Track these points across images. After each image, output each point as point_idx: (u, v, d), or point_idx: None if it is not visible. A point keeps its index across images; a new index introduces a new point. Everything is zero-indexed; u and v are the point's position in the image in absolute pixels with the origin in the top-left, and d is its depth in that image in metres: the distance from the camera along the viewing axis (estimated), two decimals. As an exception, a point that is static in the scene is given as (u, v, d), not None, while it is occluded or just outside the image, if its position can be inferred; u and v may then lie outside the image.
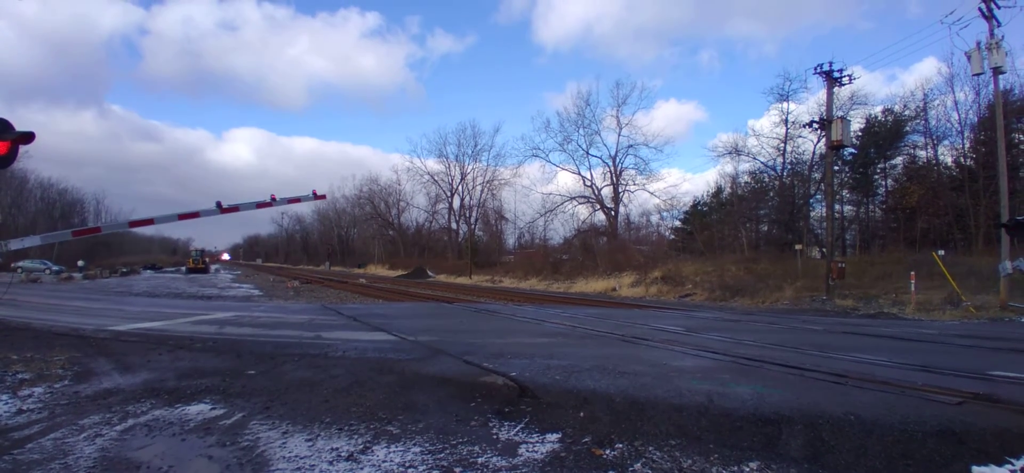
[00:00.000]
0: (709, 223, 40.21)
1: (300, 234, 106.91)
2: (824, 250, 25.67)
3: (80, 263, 36.50)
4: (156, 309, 11.89)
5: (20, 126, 6.83)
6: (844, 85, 22.15)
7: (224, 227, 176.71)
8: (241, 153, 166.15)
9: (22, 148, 7.23)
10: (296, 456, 2.80)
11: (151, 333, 7.57)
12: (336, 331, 8.31)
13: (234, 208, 12.45)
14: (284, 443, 2.99)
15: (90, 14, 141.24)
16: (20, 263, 31.76)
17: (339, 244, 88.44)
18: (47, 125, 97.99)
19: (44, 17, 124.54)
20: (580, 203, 47.49)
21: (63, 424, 3.31)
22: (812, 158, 34.23)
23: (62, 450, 2.86)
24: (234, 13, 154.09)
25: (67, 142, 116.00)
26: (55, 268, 33.87)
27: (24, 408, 3.67)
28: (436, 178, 62.75)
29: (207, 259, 54.35)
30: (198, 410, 3.63)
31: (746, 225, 38.43)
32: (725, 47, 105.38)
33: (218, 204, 10.88)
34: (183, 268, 50.31)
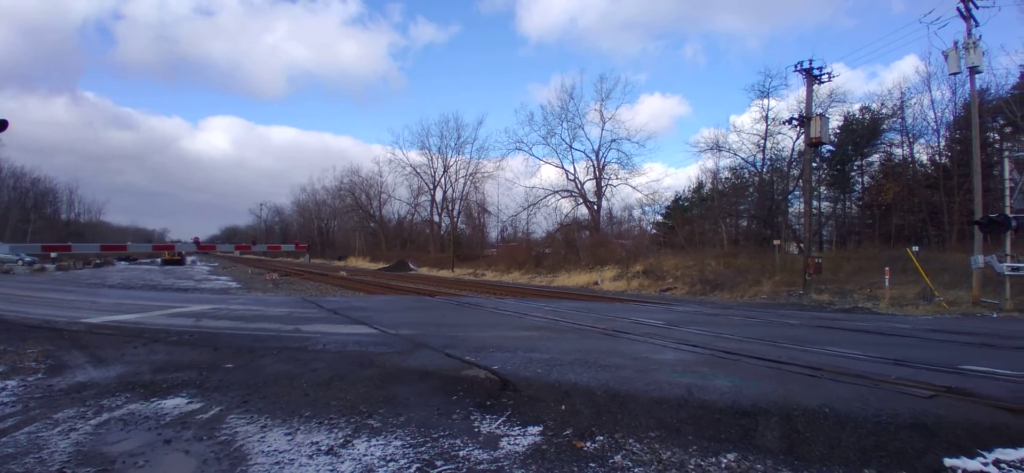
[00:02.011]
0: (690, 218, 40.56)
1: (279, 226, 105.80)
2: (802, 245, 26.05)
3: (53, 254, 35.81)
4: (131, 301, 11.69)
5: (-10, 113, 6.66)
6: (823, 83, 22.44)
7: (200, 218, 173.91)
8: (218, 142, 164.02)
9: (-7, 136, 7.06)
10: (275, 450, 2.77)
11: (126, 326, 7.44)
12: (316, 324, 8.24)
13: (211, 246, 12.42)
14: (263, 437, 2.96)
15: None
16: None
17: (319, 236, 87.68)
18: (18, 112, 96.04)
19: (17, 1, 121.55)
20: (563, 197, 47.67)
21: (37, 418, 3.25)
22: (791, 155, 34.72)
23: (36, 444, 2.81)
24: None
25: (39, 130, 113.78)
26: (28, 259, 33.20)
27: (-5, 401, 3.60)
28: (418, 170, 62.56)
29: (183, 251, 53.43)
30: (174, 404, 3.58)
31: (726, 220, 38.85)
32: (710, 42, 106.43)
33: (195, 240, 10.90)
34: (158, 260, 49.45)
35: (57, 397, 3.73)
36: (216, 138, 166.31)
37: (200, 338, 6.46)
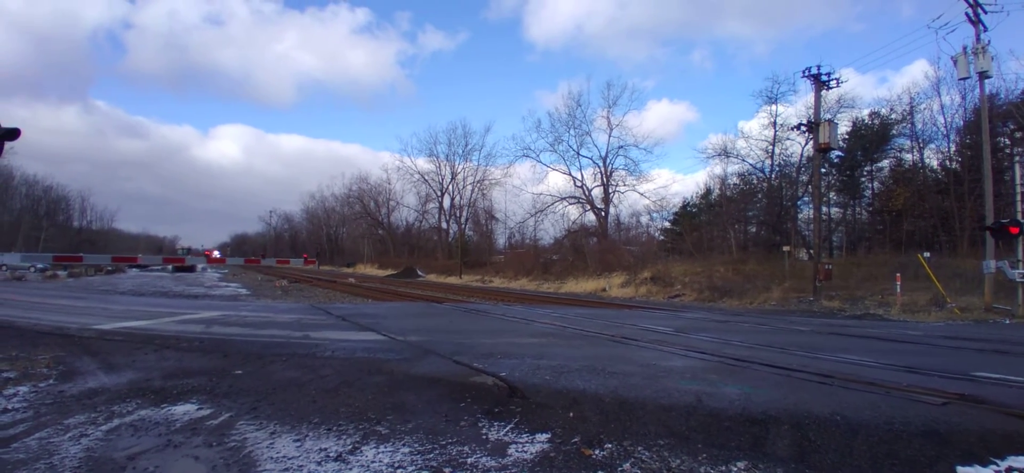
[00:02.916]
0: (698, 224, 40.45)
1: (288, 233, 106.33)
2: (811, 251, 25.89)
3: (65, 265, 36.03)
4: (142, 308, 11.77)
5: (3, 121, 6.76)
6: (832, 88, 22.44)
7: (211, 225, 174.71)
8: (227, 150, 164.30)
9: (7, 144, 7.16)
10: (284, 457, 2.78)
11: (136, 332, 7.49)
12: (325, 331, 8.26)
13: (221, 259, 12.54)
14: (272, 444, 2.97)
15: (74, 7, 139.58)
16: (4, 261, 31.34)
17: (328, 243, 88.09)
18: (30, 121, 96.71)
19: (27, 10, 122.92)
20: (570, 203, 47.65)
21: (48, 424, 3.27)
22: (800, 160, 34.60)
23: (47, 450, 2.82)
24: (220, 7, 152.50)
25: (51, 138, 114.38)
26: (40, 265, 33.49)
27: (9, 407, 3.63)
28: (426, 177, 62.78)
29: (194, 262, 53.65)
30: (184, 410, 3.60)
31: (735, 226, 38.71)
32: (717, 47, 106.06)
33: (206, 253, 11.08)
34: (169, 267, 49.67)
35: (68, 403, 3.76)
36: (226, 146, 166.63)
37: (210, 344, 6.50)
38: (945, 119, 30.54)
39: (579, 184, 47.14)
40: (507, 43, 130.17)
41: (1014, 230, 15.10)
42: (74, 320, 8.63)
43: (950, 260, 22.18)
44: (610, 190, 45.70)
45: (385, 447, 2.95)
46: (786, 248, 27.24)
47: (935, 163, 32.01)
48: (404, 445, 2.99)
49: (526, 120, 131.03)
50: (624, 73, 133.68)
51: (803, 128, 23.47)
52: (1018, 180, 16.11)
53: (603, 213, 45.67)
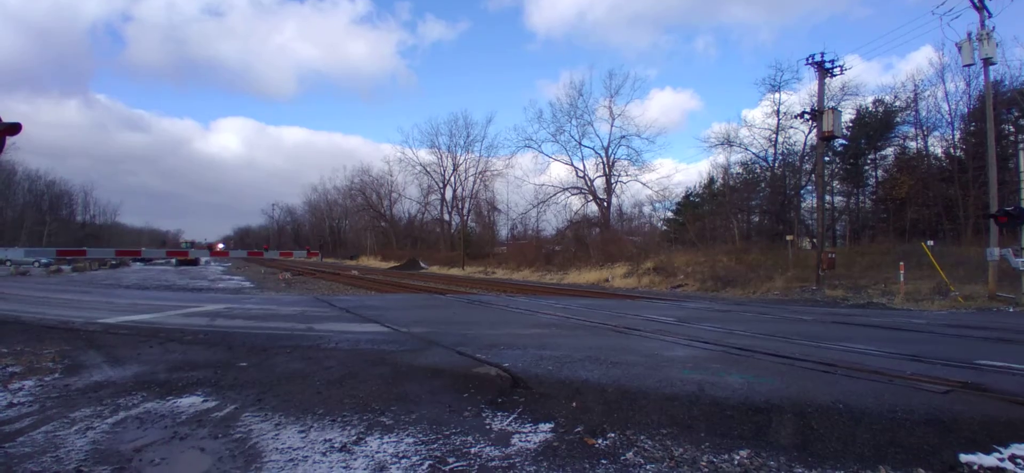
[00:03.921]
0: (701, 214, 40.39)
1: (291, 226, 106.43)
2: (815, 240, 25.85)
3: (68, 259, 36.13)
4: (146, 301, 11.81)
5: (4, 116, 6.77)
6: (835, 76, 22.31)
7: (213, 219, 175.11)
8: (229, 143, 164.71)
9: (9, 139, 7.17)
10: (289, 447, 2.79)
11: (141, 326, 7.52)
12: (328, 323, 8.28)
13: (225, 252, 12.59)
14: (277, 435, 2.98)
15: (73, 1, 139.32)
16: (8, 256, 31.47)
17: (331, 235, 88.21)
18: (31, 115, 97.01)
19: (27, 4, 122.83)
20: (573, 194, 47.68)
21: (54, 417, 3.29)
22: (803, 149, 34.50)
23: (54, 443, 2.84)
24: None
25: (52, 133, 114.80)
26: (44, 260, 33.62)
27: (15, 401, 3.65)
28: (428, 169, 62.83)
29: (198, 255, 53.76)
30: (190, 402, 3.62)
31: (738, 216, 38.65)
32: (721, 35, 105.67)
33: (209, 246, 11.19)
34: (173, 261, 49.77)
35: (74, 396, 3.77)
36: (227, 139, 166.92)
37: (214, 337, 6.51)
38: (949, 106, 30.48)
39: (581, 174, 47.18)
40: (508, 32, 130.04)
41: (1003, 219, 15.07)
42: (79, 314, 8.66)
43: (954, 248, 22.13)
44: (612, 180, 45.73)
45: (389, 437, 2.96)
46: (789, 237, 27.19)
47: (939, 151, 31.95)
48: (408, 435, 3.00)
49: (528, 110, 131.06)
50: (627, 62, 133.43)
51: (806, 116, 23.39)
52: (1022, 167, 16.03)
53: (605, 203, 45.69)
